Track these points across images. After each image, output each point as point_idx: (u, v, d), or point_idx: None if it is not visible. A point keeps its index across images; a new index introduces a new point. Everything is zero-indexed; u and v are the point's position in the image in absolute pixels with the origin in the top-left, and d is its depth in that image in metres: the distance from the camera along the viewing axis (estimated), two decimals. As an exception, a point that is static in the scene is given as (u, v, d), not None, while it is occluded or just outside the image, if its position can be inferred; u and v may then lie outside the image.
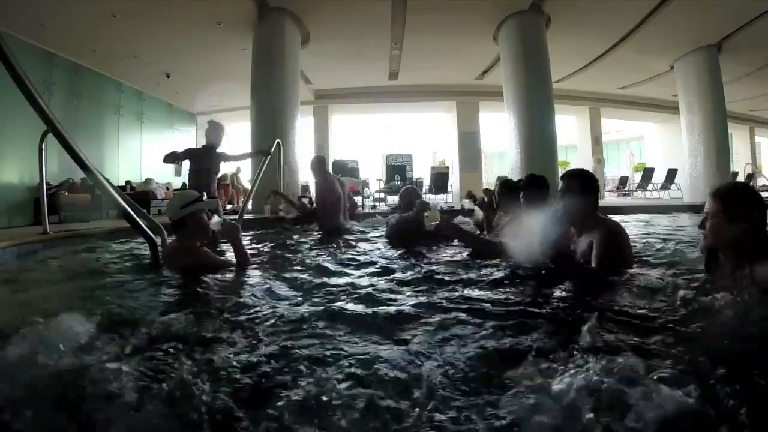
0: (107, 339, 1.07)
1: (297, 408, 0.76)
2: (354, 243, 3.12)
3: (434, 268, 1.99)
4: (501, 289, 1.57)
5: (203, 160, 3.75)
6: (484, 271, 1.87)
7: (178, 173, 3.78)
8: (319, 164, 3.91)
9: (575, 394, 0.72)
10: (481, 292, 1.54)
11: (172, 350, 1.02)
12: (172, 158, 3.68)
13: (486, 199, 3.44)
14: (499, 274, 1.77)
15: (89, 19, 5.99)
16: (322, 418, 0.73)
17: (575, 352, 0.90)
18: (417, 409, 0.75)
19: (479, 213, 3.47)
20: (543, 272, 1.67)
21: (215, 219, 2.13)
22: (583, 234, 1.79)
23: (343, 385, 0.84)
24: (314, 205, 4.06)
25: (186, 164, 3.76)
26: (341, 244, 3.03)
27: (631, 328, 1.09)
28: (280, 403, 0.78)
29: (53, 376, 0.81)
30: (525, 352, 0.95)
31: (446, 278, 1.77)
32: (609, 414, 0.67)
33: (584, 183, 1.76)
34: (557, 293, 1.49)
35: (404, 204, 3.16)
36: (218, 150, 3.86)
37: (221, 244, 2.77)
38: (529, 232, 1.64)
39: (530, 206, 2.29)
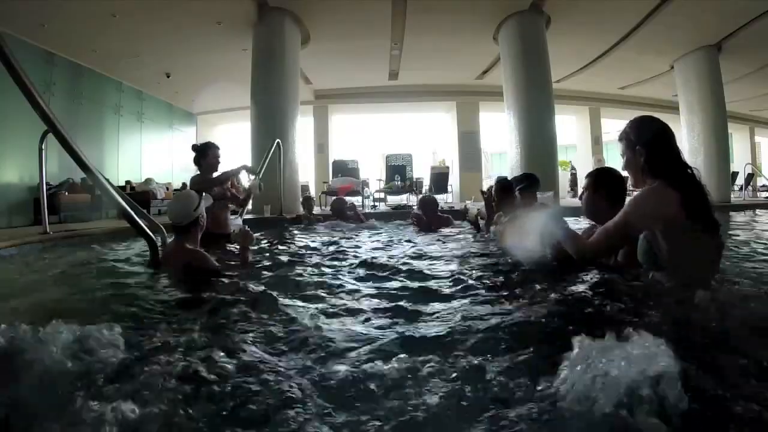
0: (105, 340, 1.07)
1: (295, 409, 0.76)
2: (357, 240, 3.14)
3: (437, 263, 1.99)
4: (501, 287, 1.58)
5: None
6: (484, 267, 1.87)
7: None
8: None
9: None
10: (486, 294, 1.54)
11: (170, 351, 1.02)
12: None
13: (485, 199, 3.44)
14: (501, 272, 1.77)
15: (89, 19, 5.99)
16: (318, 421, 0.73)
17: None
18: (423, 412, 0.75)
19: (473, 211, 3.48)
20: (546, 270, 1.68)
21: (236, 221, 2.14)
22: None
23: (338, 385, 0.84)
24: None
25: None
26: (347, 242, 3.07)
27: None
28: (277, 405, 0.78)
29: (49, 377, 0.81)
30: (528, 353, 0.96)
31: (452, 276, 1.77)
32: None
33: (597, 181, 1.79)
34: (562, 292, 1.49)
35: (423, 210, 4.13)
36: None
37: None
38: (530, 229, 1.65)
39: (527, 203, 2.32)
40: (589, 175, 1.86)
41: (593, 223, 1.84)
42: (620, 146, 1.49)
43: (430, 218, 4.05)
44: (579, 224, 2.63)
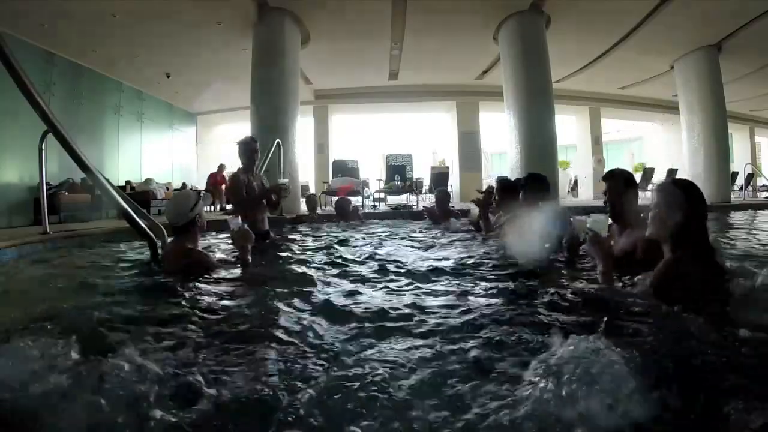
0: (105, 340, 1.07)
1: (293, 409, 0.76)
2: (356, 241, 3.16)
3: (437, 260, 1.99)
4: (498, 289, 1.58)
5: None
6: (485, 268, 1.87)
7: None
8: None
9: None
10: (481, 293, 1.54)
11: (171, 352, 1.02)
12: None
13: (482, 198, 3.45)
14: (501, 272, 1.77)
15: (89, 19, 5.99)
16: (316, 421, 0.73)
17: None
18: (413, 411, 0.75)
19: (474, 211, 3.50)
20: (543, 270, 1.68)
21: (235, 221, 2.15)
22: (626, 231, 1.85)
23: (331, 385, 0.84)
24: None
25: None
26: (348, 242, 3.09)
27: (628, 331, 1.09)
28: (276, 406, 0.78)
29: (48, 377, 0.81)
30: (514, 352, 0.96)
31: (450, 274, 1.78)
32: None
33: (627, 182, 1.88)
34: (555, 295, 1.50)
35: (440, 208, 4.49)
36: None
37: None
38: (532, 229, 1.66)
39: (531, 204, 2.32)
40: (612, 177, 1.92)
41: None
42: (654, 197, 1.43)
43: (442, 211, 4.50)
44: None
